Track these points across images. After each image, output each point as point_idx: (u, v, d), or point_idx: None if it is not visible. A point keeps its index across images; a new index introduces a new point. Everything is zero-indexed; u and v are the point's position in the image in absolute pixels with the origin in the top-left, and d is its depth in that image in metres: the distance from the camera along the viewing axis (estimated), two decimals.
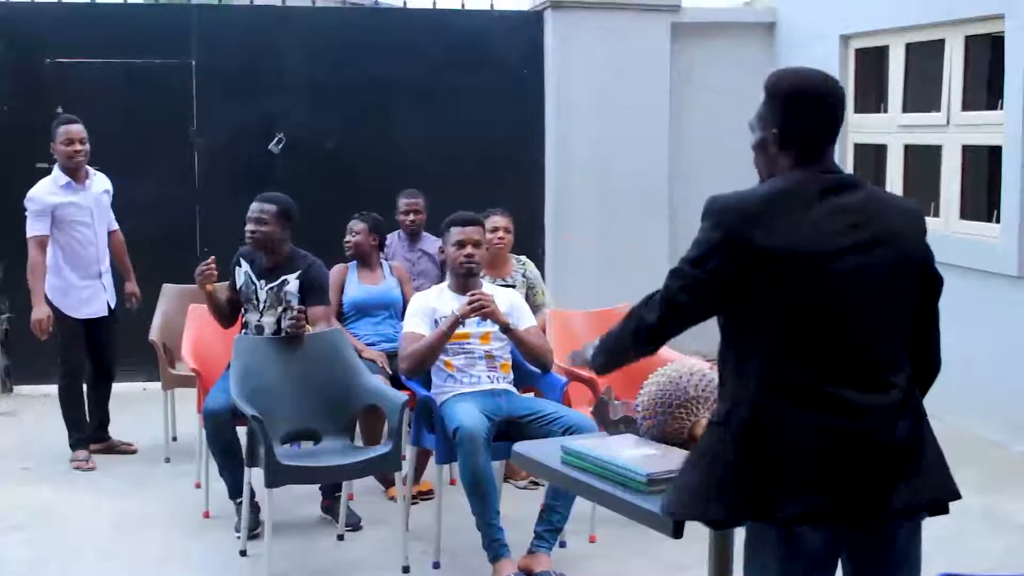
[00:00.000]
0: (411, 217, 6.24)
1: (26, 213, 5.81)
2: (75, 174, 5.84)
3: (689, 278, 2.48)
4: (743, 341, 2.49)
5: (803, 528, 2.42)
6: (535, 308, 5.46)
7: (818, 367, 2.41)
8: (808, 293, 2.40)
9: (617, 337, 2.74)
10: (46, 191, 5.80)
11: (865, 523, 2.45)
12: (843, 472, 2.39)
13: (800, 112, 2.52)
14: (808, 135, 2.52)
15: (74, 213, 5.83)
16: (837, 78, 2.59)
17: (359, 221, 5.85)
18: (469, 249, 4.76)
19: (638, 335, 2.62)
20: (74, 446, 5.94)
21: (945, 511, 2.54)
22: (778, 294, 2.41)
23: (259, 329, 5.00)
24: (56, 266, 5.85)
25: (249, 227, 4.97)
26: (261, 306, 5.00)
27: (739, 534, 2.73)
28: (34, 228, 5.77)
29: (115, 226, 6.22)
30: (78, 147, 5.80)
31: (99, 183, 6.04)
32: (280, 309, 4.94)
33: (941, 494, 2.51)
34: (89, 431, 6.03)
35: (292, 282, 4.97)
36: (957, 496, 2.53)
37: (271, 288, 4.98)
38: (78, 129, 5.83)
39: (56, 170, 5.87)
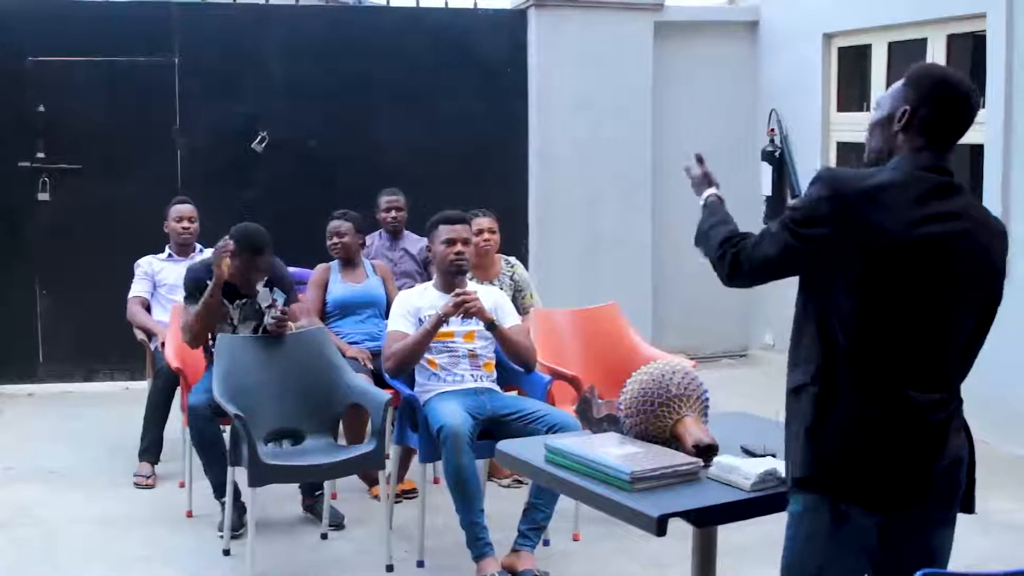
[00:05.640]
0: (392, 215, 6.23)
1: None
2: (182, 249, 6.20)
3: (787, 238, 2.49)
4: (825, 316, 2.51)
5: (852, 509, 2.49)
6: (522, 311, 5.44)
7: (891, 360, 2.47)
8: (898, 286, 2.44)
9: (709, 239, 2.72)
10: (152, 259, 6.19)
11: (906, 511, 2.53)
12: (896, 466, 2.47)
13: (938, 101, 2.52)
14: (936, 125, 2.52)
15: (173, 282, 5.98)
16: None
17: (343, 221, 5.82)
18: (459, 247, 4.76)
19: (724, 257, 2.63)
20: (141, 455, 5.69)
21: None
22: (869, 279, 2.44)
23: None
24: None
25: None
26: (235, 322, 4.93)
27: (722, 531, 2.74)
28: (134, 289, 6.11)
29: None
30: (187, 224, 6.19)
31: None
32: (266, 308, 4.89)
33: (964, 509, 2.70)
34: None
35: (261, 290, 4.93)
36: (971, 511, 2.71)
37: (243, 304, 4.93)
38: (188, 209, 6.23)
39: (168, 245, 6.25)
